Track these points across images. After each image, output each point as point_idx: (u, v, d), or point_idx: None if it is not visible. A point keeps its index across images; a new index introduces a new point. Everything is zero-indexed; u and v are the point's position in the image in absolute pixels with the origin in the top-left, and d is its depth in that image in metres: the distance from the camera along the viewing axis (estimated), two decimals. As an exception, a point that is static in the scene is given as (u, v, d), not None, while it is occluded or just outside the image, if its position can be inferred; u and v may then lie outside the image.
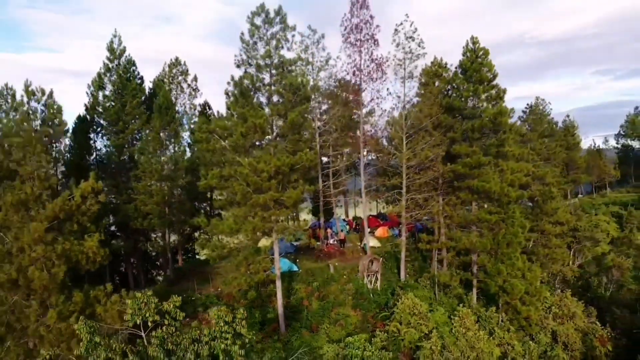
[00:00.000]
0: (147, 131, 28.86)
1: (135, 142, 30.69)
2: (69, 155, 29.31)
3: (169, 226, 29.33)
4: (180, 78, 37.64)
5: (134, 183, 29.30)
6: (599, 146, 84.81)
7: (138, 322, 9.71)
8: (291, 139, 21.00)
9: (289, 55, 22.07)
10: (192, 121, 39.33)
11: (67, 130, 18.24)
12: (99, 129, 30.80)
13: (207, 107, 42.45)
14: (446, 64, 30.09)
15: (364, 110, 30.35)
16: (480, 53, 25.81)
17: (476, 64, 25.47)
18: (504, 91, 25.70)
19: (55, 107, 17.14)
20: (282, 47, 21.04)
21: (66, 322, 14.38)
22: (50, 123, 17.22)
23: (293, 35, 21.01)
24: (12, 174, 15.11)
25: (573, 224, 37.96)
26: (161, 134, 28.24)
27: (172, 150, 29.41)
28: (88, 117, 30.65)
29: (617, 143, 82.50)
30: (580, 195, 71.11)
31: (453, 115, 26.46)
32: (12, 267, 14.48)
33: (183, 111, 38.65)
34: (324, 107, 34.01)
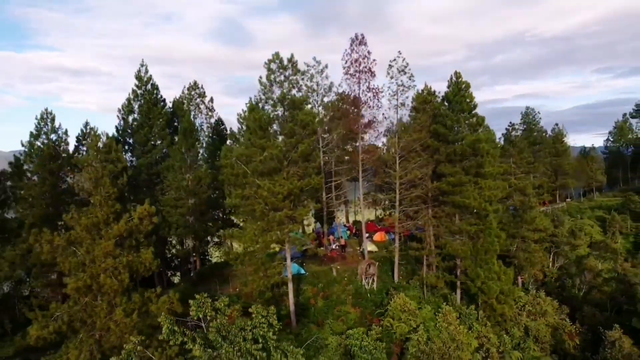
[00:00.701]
0: (173, 151, 32.98)
1: (161, 159, 34.83)
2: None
3: (192, 234, 33.49)
4: (198, 100, 41.84)
5: (160, 196, 33.49)
6: (589, 150, 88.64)
7: (200, 315, 13.85)
8: (301, 165, 25.10)
9: (299, 86, 26.33)
10: (207, 135, 43.57)
11: (127, 167, 22.12)
12: (129, 148, 34.97)
13: (220, 123, 46.59)
14: (435, 92, 34.21)
15: (364, 136, 34.60)
16: (463, 86, 29.91)
17: (458, 96, 29.58)
18: (483, 119, 29.82)
19: (118, 147, 21.11)
20: (294, 88, 25.14)
21: (129, 318, 18.47)
22: (114, 160, 21.26)
23: (302, 79, 25.02)
24: (85, 200, 19.19)
25: (551, 231, 41.98)
26: (185, 155, 32.35)
27: (195, 168, 33.52)
28: (119, 137, 34.80)
29: (605, 148, 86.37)
30: (568, 200, 74.97)
31: (439, 139, 30.52)
32: (85, 275, 18.57)
33: (200, 129, 42.80)
34: (327, 127, 38.13)
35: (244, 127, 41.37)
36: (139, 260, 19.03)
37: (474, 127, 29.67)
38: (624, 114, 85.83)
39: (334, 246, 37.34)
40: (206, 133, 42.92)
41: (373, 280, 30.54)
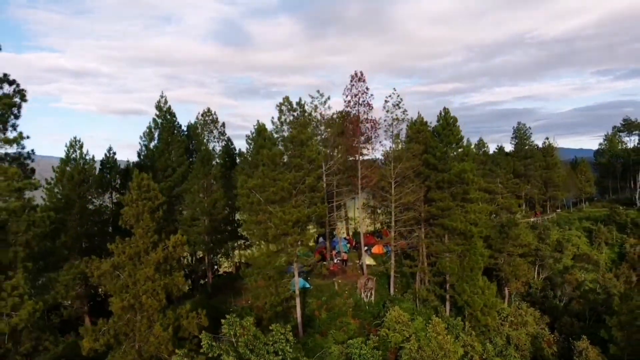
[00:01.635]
0: (191, 176, 36.57)
1: (180, 182, 38.40)
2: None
3: (207, 250, 37.07)
4: (211, 126, 45.52)
5: (178, 215, 37.08)
6: (579, 162, 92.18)
7: (232, 333, 17.41)
8: (308, 195, 28.69)
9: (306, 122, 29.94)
10: (219, 155, 47.28)
11: (163, 203, 25.50)
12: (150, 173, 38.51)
13: (230, 142, 50.21)
14: (427, 122, 37.88)
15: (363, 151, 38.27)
16: (451, 121, 33.57)
17: (447, 130, 33.23)
18: (469, 149, 33.49)
19: (155, 186, 24.44)
20: (302, 127, 28.75)
21: (166, 332, 21.96)
22: (152, 198, 24.66)
23: (309, 120, 28.61)
24: (128, 232, 22.73)
25: (535, 245, 45.57)
26: (202, 181, 35.96)
27: (211, 192, 37.09)
28: (141, 162, 38.42)
29: (596, 160, 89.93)
30: (558, 210, 78.53)
31: (429, 168, 34.14)
32: (129, 296, 22.08)
33: (213, 150, 46.49)
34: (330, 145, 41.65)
35: (252, 148, 45.14)
36: (173, 283, 22.58)
37: (460, 158, 33.26)
38: (614, 127, 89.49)
39: (336, 260, 40.92)
40: (218, 154, 46.50)
41: (371, 293, 34.09)
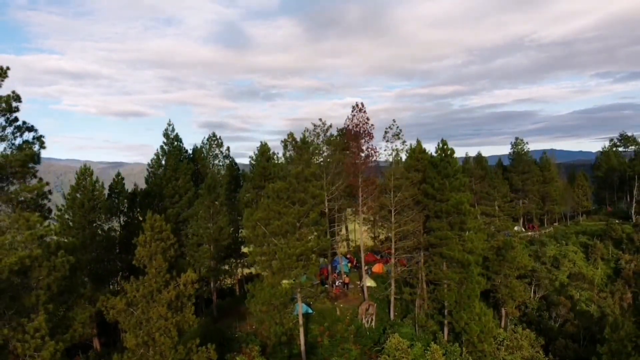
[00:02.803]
0: (198, 203, 37.80)
1: (187, 207, 39.64)
2: (140, 218, 38.68)
3: (213, 276, 38.28)
4: (217, 151, 46.83)
5: (185, 239, 38.26)
6: (577, 175, 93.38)
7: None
8: (311, 228, 29.90)
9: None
10: (222, 175, 48.59)
11: (175, 243, 26.67)
12: (157, 200, 39.83)
13: (233, 164, 51.47)
14: (425, 150, 39.11)
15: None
16: (448, 152, 34.83)
17: (444, 162, 34.48)
18: (466, 181, 34.67)
19: (167, 226, 25.61)
20: (305, 163, 30.00)
21: (177, 366, 23.20)
22: (164, 239, 25.86)
23: (312, 156, 29.84)
24: (141, 270, 23.95)
25: (531, 266, 46.72)
26: (209, 208, 37.19)
27: (217, 219, 38.31)
28: (149, 190, 39.68)
29: (593, 174, 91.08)
30: (556, 224, 79.71)
31: (428, 197, 35.37)
32: (142, 333, 23.30)
33: (217, 171, 47.81)
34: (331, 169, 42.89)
35: (255, 168, 46.44)
36: (184, 320, 23.81)
37: (457, 188, 34.49)
38: (611, 139, 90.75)
39: (338, 283, 42.12)
40: (222, 175, 47.75)
41: (372, 319, 35.29)
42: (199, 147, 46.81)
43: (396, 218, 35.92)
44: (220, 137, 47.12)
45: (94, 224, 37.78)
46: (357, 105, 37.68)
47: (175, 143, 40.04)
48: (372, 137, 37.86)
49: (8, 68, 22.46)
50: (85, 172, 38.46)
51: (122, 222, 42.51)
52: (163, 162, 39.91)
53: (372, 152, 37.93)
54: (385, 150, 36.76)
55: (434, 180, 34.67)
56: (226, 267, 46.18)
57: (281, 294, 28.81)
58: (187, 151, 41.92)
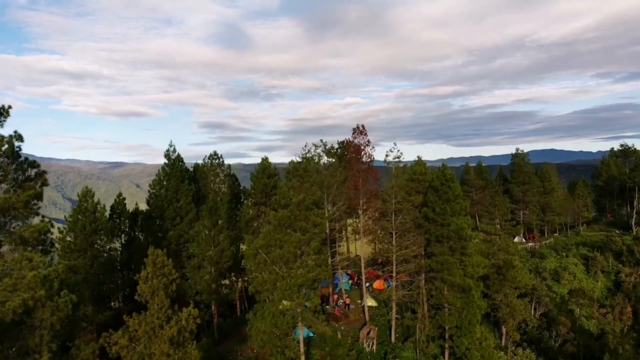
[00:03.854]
0: (199, 225, 37.89)
1: (188, 228, 39.72)
2: (141, 238, 38.75)
3: (214, 299, 38.37)
4: (218, 170, 46.89)
5: (185, 261, 38.37)
6: (577, 183, 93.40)
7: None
8: (313, 257, 29.98)
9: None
10: (223, 193, 48.60)
11: (176, 278, 26.82)
12: (159, 222, 39.91)
13: (235, 180, 51.55)
14: (425, 172, 39.15)
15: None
16: (448, 177, 34.87)
17: (445, 187, 34.53)
18: (467, 205, 34.74)
19: (169, 261, 25.74)
20: (307, 192, 30.06)
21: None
22: (166, 274, 25.97)
23: (313, 185, 29.90)
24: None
25: (532, 285, 46.80)
26: (210, 230, 37.29)
27: (218, 242, 38.42)
28: (151, 212, 39.75)
29: (593, 183, 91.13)
30: (556, 234, 79.78)
31: (428, 221, 35.43)
32: (145, 367, 23.45)
33: (219, 188, 47.88)
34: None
35: (255, 184, 46.55)
36: (187, 356, 23.92)
37: (458, 213, 34.55)
38: (611, 149, 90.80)
39: (339, 303, 42.21)
40: (222, 193, 47.81)
41: (373, 343, 35.37)
42: (200, 164, 46.90)
43: (397, 241, 36.00)
44: (221, 155, 47.36)
45: (96, 246, 37.89)
46: (357, 127, 37.81)
47: (177, 164, 40.08)
48: (373, 159, 37.98)
49: (10, 107, 22.61)
50: (86, 194, 38.53)
51: (123, 241, 42.67)
52: (165, 182, 39.95)
53: (374, 173, 38.03)
54: (386, 170, 36.71)
55: (435, 204, 34.74)
56: (226, 281, 46.35)
57: (282, 323, 28.89)
58: (188, 170, 41.96)
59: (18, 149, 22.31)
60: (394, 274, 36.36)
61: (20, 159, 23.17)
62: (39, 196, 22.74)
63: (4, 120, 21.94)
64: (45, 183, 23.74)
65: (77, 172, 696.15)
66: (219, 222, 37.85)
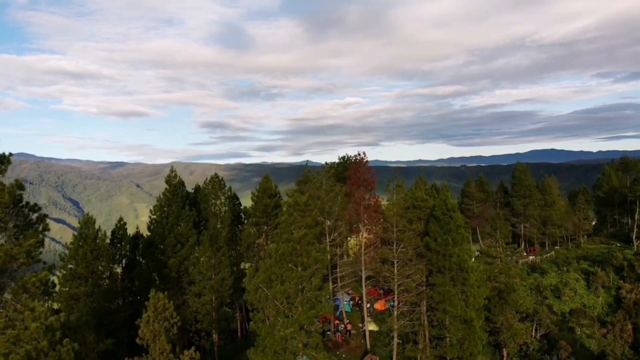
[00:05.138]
0: (200, 251, 37.85)
1: (188, 255, 39.67)
2: (141, 261, 38.87)
3: (215, 328, 38.31)
4: (219, 193, 46.87)
5: (187, 287, 38.31)
6: (578, 192, 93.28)
7: None
8: (314, 294, 29.95)
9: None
10: (224, 215, 48.55)
11: (177, 321, 26.85)
12: (160, 247, 39.86)
13: (236, 201, 51.51)
14: (426, 198, 39.09)
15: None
16: (449, 206, 34.82)
17: (446, 217, 34.50)
18: (468, 236, 34.71)
19: (170, 304, 25.80)
20: (309, 227, 30.00)
21: None
22: (168, 318, 25.98)
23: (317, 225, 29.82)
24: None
25: (533, 309, 46.80)
26: (211, 258, 37.25)
27: (219, 270, 38.37)
28: (152, 238, 39.70)
29: (594, 194, 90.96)
30: (557, 247, 79.66)
31: (430, 250, 35.41)
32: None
33: (219, 210, 47.85)
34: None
35: (256, 204, 46.54)
36: (189, 401, 23.96)
37: (460, 243, 34.54)
38: (612, 159, 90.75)
39: (340, 328, 42.19)
40: (223, 215, 47.80)
41: (374, 373, 35.42)
42: (200, 186, 46.90)
43: (399, 270, 35.98)
44: (222, 177, 47.19)
45: (97, 273, 37.86)
46: (359, 154, 37.88)
47: (178, 190, 40.01)
48: (375, 187, 37.96)
49: (11, 154, 22.64)
50: (88, 221, 38.47)
51: (124, 264, 42.65)
52: (166, 208, 39.90)
53: (375, 200, 38.01)
54: (388, 201, 36.71)
55: (436, 234, 34.73)
56: (229, 310, 46.13)
57: (284, 359, 28.87)
58: (188, 194, 41.93)
59: (19, 197, 22.32)
60: (395, 303, 36.34)
61: (21, 204, 23.24)
62: (41, 243, 22.74)
63: (5, 170, 21.99)
64: (46, 228, 23.68)
65: (78, 172, 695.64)
66: (220, 250, 37.77)
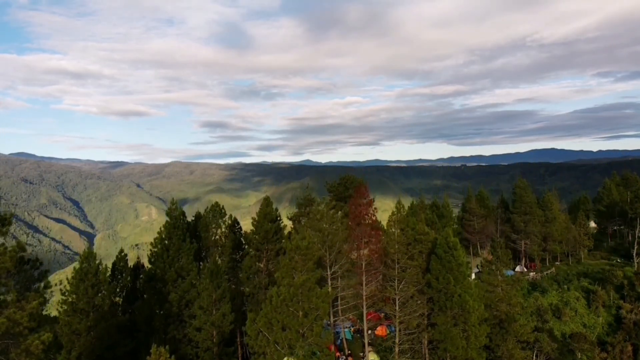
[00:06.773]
0: (200, 286, 37.81)
1: (189, 289, 39.65)
2: (144, 300, 38.77)
3: (217, 361, 38.39)
4: (219, 221, 46.82)
5: (187, 321, 38.34)
6: (579, 203, 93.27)
7: None
8: (315, 340, 29.99)
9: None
10: (224, 243, 48.53)
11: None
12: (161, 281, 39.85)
13: (236, 223, 51.38)
14: (428, 232, 39.07)
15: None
16: (451, 245, 34.81)
17: (448, 255, 34.48)
18: (470, 273, 34.71)
19: (172, 359, 25.86)
20: (309, 272, 30.01)
21: None
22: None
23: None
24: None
25: (534, 337, 46.84)
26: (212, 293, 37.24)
27: (220, 305, 38.34)
28: (153, 271, 39.70)
29: (594, 206, 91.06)
30: (557, 263, 79.68)
31: (431, 288, 35.41)
32: None
33: (219, 238, 47.80)
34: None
35: (257, 230, 46.49)
36: None
37: (462, 281, 34.54)
38: (614, 172, 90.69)
39: (342, 358, 42.23)
40: (223, 242, 47.75)
41: (375, 411, 35.48)
42: (201, 214, 46.89)
43: (400, 307, 35.99)
44: (223, 206, 47.18)
45: (98, 308, 37.85)
46: (360, 185, 37.82)
47: (179, 222, 39.98)
48: (376, 215, 37.96)
49: (12, 214, 22.63)
50: (89, 256, 38.44)
51: (124, 294, 42.69)
52: (167, 241, 39.88)
53: (376, 231, 37.97)
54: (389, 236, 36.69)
55: (438, 272, 34.73)
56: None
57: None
58: (189, 225, 41.92)
59: (20, 259, 22.33)
60: (397, 340, 36.39)
61: (23, 264, 23.28)
62: (44, 303, 22.77)
63: (6, 232, 21.97)
64: (48, 285, 23.70)
65: (78, 171, 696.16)
66: (221, 286, 37.74)
